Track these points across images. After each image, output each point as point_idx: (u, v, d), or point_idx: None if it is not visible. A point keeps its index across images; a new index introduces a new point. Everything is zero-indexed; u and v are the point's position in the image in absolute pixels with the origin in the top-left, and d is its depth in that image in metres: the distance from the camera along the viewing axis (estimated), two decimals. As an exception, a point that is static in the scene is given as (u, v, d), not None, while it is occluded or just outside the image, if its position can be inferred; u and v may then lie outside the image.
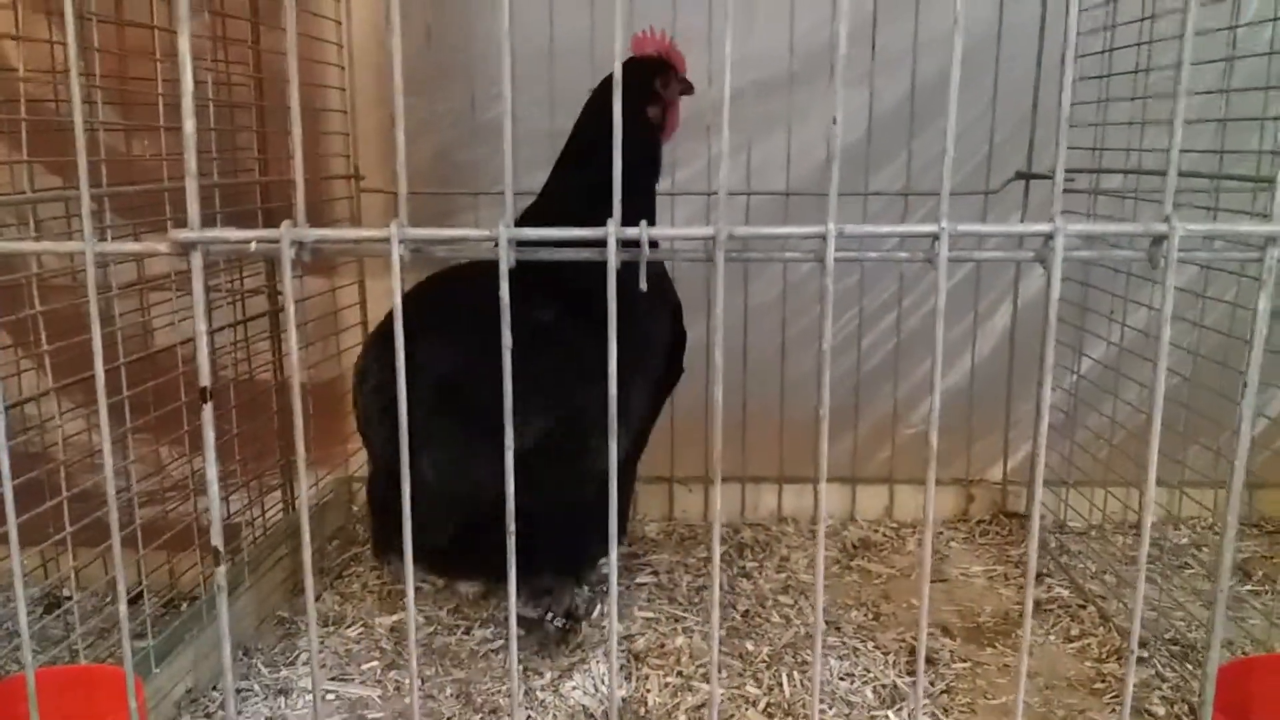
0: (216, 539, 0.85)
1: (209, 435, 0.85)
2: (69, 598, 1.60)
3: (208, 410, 0.84)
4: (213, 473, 0.86)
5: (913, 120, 2.17)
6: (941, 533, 2.30)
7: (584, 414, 1.54)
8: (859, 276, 2.31)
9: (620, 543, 1.91)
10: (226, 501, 1.86)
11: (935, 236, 0.88)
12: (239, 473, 1.89)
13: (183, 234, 0.83)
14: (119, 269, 1.67)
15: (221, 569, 0.86)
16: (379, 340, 1.67)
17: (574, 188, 1.70)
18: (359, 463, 2.20)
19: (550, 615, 1.79)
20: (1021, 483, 2.37)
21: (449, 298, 1.60)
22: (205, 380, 0.84)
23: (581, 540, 1.68)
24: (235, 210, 1.79)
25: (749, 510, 2.36)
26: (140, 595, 1.60)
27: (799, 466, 2.31)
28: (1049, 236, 0.89)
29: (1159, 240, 0.90)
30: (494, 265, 0.86)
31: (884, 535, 2.29)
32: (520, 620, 1.74)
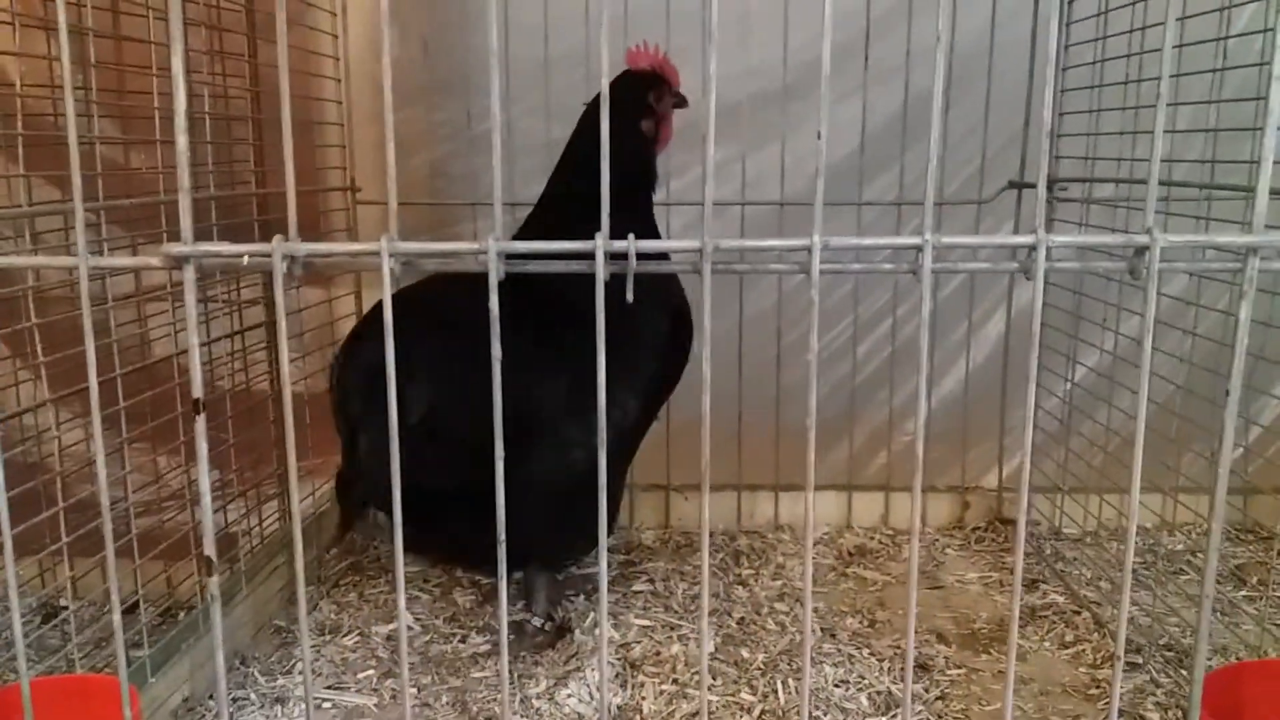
0: (209, 549, 0.86)
1: (202, 447, 0.87)
2: (66, 607, 1.61)
3: (200, 421, 0.85)
4: (205, 484, 0.87)
5: (905, 132, 2.19)
6: (937, 540, 2.31)
7: (533, 402, 1.60)
8: (852, 286, 2.32)
9: (610, 531, 1.93)
10: (224, 511, 1.87)
11: (919, 249, 0.89)
12: (236, 482, 1.89)
13: (176, 248, 0.85)
14: (118, 280, 1.68)
15: (214, 579, 0.87)
16: (344, 344, 1.79)
17: (569, 199, 1.72)
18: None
19: (528, 615, 1.82)
20: (1017, 489, 2.38)
21: (411, 300, 1.66)
22: (198, 392, 0.85)
23: (555, 533, 1.70)
24: (232, 222, 1.80)
25: (745, 518, 2.37)
26: (136, 605, 1.61)
27: (795, 474, 2.32)
28: (1032, 248, 0.90)
29: (1141, 251, 0.91)
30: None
31: (880, 542, 2.30)
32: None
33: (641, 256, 0.88)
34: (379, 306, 1.79)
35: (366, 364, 1.58)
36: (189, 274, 0.86)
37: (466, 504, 1.48)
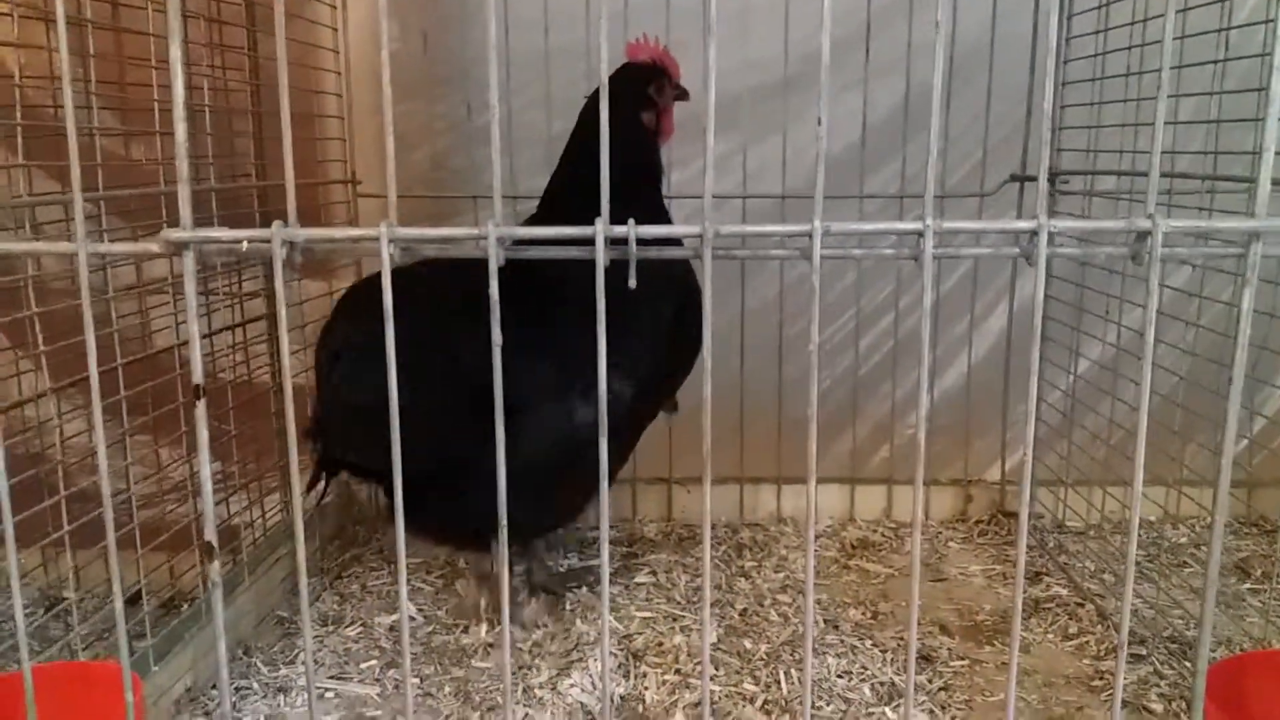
0: (210, 534, 0.86)
1: (202, 432, 0.87)
2: (68, 597, 1.61)
3: (200, 407, 0.85)
4: (206, 470, 0.87)
5: (907, 124, 2.18)
6: (940, 533, 2.31)
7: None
8: (855, 278, 2.32)
9: (582, 512, 1.92)
10: (226, 503, 1.88)
11: (920, 234, 0.89)
12: (238, 474, 1.90)
13: (175, 234, 0.85)
14: (119, 272, 1.68)
15: (215, 565, 0.87)
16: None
17: (573, 191, 1.72)
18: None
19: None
20: (1020, 482, 2.37)
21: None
22: (198, 378, 0.85)
23: (527, 511, 1.73)
24: (233, 213, 1.80)
25: (748, 511, 2.37)
26: (139, 595, 1.61)
27: (798, 467, 2.32)
28: (1033, 233, 0.90)
29: (1143, 236, 0.91)
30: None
31: (883, 535, 2.30)
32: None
33: (643, 242, 0.88)
34: (351, 290, 1.81)
35: (326, 345, 1.69)
36: (188, 260, 0.86)
37: (431, 478, 1.51)
